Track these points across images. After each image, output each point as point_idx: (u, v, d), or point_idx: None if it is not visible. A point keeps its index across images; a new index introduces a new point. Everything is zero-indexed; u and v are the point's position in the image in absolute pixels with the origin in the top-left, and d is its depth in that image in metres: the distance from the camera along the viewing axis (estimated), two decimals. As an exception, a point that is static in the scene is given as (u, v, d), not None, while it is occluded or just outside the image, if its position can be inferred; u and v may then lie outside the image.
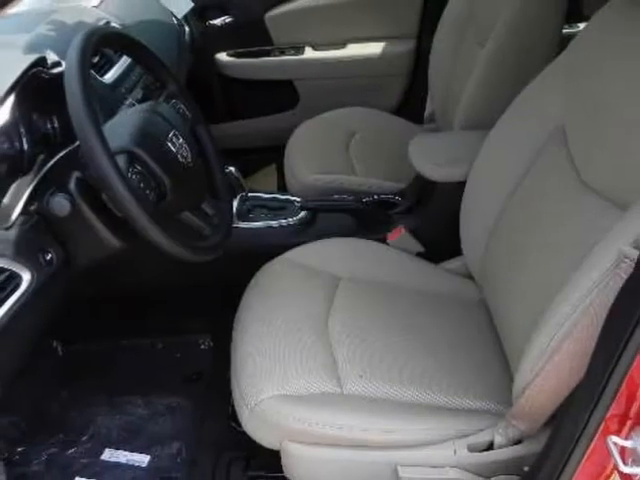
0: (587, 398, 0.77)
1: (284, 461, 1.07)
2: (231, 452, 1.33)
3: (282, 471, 1.09)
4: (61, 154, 1.13)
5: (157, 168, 1.07)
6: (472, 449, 1.00)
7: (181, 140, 1.14)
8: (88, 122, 0.93)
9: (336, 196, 1.71)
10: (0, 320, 0.90)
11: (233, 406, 1.12)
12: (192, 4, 1.67)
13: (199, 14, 2.09)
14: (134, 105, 1.37)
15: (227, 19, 2.14)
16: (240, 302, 1.29)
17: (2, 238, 0.95)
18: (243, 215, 1.66)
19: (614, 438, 0.72)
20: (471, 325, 1.24)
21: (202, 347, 1.67)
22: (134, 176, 1.04)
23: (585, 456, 0.78)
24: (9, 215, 1.00)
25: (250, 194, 1.72)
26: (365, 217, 1.64)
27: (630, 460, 0.71)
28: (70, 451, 1.41)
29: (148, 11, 1.81)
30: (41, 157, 1.11)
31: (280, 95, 2.26)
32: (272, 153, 2.16)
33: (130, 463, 1.39)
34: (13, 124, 1.04)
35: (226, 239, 1.20)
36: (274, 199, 1.74)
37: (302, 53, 2.19)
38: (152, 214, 0.97)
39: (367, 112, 2.09)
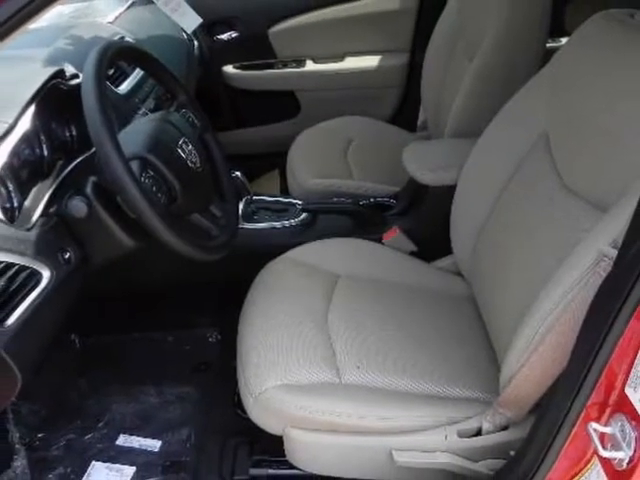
0: (569, 387, 0.77)
1: (286, 446, 1.07)
2: (237, 437, 1.33)
3: (284, 455, 1.09)
4: (78, 160, 1.13)
5: (168, 173, 1.07)
6: (462, 435, 1.00)
7: (190, 147, 1.14)
8: (104, 130, 0.93)
9: (335, 199, 1.71)
10: (22, 315, 0.90)
11: (239, 395, 1.12)
12: (200, 20, 1.67)
13: (207, 29, 2.09)
14: (147, 114, 1.37)
15: (233, 34, 2.14)
16: (245, 298, 1.29)
17: (24, 238, 0.95)
18: (248, 217, 1.66)
19: (594, 425, 0.72)
20: (461, 319, 1.24)
21: (210, 340, 1.66)
22: (147, 180, 1.04)
23: (567, 441, 0.78)
24: (30, 217, 1.00)
25: (255, 197, 1.72)
26: (362, 218, 1.64)
27: (609, 445, 0.71)
28: (87, 437, 1.41)
29: (159, 27, 1.81)
30: (60, 163, 1.11)
31: (282, 105, 2.25)
32: (275, 159, 2.16)
33: (143, 448, 1.39)
34: (34, 132, 1.04)
35: (232, 239, 1.20)
36: (277, 202, 1.74)
37: (303, 66, 2.19)
38: (163, 216, 0.97)
39: (364, 121, 2.09)
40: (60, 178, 1.08)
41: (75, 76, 1.17)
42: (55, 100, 1.10)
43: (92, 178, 1.04)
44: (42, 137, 1.06)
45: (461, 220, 1.30)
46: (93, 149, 1.10)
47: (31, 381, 0.95)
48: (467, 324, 1.22)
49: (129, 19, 1.71)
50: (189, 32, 1.87)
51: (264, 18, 2.12)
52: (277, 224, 1.64)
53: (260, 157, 2.30)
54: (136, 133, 1.10)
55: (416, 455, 1.01)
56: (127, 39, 1.55)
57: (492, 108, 1.25)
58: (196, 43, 2.02)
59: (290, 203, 1.72)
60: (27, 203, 1.01)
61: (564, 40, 1.65)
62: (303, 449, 1.07)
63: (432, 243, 1.45)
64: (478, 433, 1.01)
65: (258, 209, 1.70)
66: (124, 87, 1.40)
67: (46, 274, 0.96)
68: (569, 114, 1.02)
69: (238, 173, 1.66)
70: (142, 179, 1.02)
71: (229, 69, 2.20)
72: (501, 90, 1.31)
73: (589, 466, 0.75)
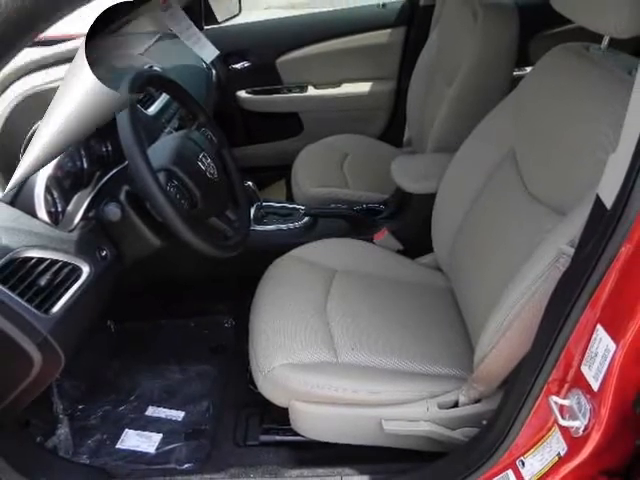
0: (533, 366, 0.77)
1: (291, 416, 1.08)
2: (249, 409, 1.33)
3: (290, 424, 1.10)
4: (113, 171, 1.13)
5: (190, 183, 1.07)
6: (441, 407, 1.00)
7: (209, 160, 1.14)
8: (135, 146, 0.93)
9: (333, 205, 1.71)
10: (65, 304, 0.90)
11: (250, 372, 1.12)
12: (218, 52, 1.67)
13: (223, 60, 2.09)
14: (172, 132, 1.37)
15: (246, 64, 2.14)
16: (256, 290, 1.29)
17: (66, 239, 0.95)
18: (258, 220, 1.67)
19: (554, 398, 0.72)
20: (440, 308, 1.24)
21: (226, 325, 1.66)
22: (172, 189, 1.04)
23: (531, 412, 0.78)
24: (72, 220, 1.00)
25: (264, 203, 1.72)
26: (356, 221, 1.65)
27: (567, 415, 0.71)
28: (120, 408, 1.40)
29: (182, 57, 1.81)
30: (97, 174, 1.11)
31: (288, 124, 2.25)
32: (282, 170, 2.16)
33: (169, 418, 1.39)
34: (75, 147, 1.04)
35: (245, 239, 1.20)
36: (283, 207, 1.74)
37: (306, 91, 2.19)
38: (186, 219, 0.97)
39: (357, 138, 2.09)
40: (98, 187, 1.08)
41: (110, 100, 1.17)
42: (94, 120, 1.10)
43: (125, 187, 1.04)
44: (82, 152, 1.06)
45: (441, 223, 1.30)
46: (126, 162, 1.10)
47: (72, 360, 0.95)
48: (446, 312, 1.22)
49: (157, 51, 1.71)
50: (208, 62, 1.87)
51: (272, 50, 2.13)
52: (283, 226, 1.64)
53: (268, 169, 2.30)
54: (162, 148, 1.10)
55: (402, 424, 1.01)
56: (155, 68, 1.55)
57: (467, 127, 1.25)
58: (214, 71, 2.01)
59: (294, 208, 1.72)
60: (69, 208, 1.01)
61: (529, 69, 1.65)
62: (306, 419, 1.07)
63: (416, 242, 1.45)
64: (455, 405, 1.01)
65: (267, 213, 1.70)
66: (152, 109, 1.40)
67: (86, 269, 0.96)
68: (532, 132, 1.03)
69: (250, 182, 1.67)
70: (168, 188, 1.02)
71: (242, 94, 2.20)
72: (475, 111, 1.31)
73: (550, 433, 0.75)
